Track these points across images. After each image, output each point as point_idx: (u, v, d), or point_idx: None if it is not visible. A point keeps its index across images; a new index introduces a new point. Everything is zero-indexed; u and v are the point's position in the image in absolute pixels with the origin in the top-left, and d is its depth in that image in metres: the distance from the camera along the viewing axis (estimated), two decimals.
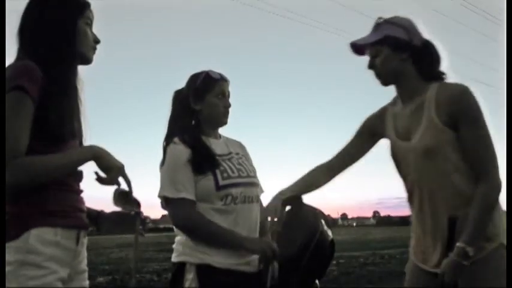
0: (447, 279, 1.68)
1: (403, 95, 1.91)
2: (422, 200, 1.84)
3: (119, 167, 1.51)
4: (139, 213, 1.69)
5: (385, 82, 1.91)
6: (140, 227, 1.71)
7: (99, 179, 1.51)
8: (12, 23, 1.53)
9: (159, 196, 1.92)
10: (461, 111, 1.74)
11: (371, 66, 1.90)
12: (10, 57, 1.50)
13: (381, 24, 1.89)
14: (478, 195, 1.72)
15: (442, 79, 1.85)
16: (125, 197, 1.58)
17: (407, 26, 1.86)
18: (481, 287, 1.71)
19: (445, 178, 1.77)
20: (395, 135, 1.94)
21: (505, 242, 1.75)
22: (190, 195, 1.86)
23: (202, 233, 1.87)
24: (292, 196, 2.03)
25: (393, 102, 2.01)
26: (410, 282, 1.95)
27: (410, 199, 1.93)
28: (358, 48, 1.94)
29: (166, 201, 1.91)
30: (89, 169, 1.52)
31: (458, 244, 1.68)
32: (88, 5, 1.60)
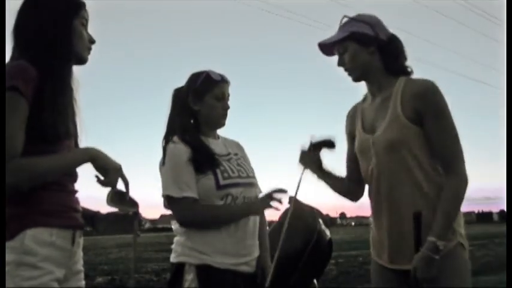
0: (420, 275, 1.67)
1: (372, 90, 1.94)
2: (381, 195, 1.85)
3: (117, 168, 1.50)
4: (137, 213, 1.69)
5: (356, 77, 1.93)
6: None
7: (99, 181, 1.50)
8: (9, 22, 1.53)
9: (163, 195, 1.91)
10: (426, 106, 1.75)
11: (340, 63, 1.92)
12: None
13: (346, 23, 1.92)
14: (447, 188, 1.72)
15: (409, 73, 1.88)
16: (120, 198, 1.57)
17: (372, 22, 1.88)
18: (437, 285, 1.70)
19: (406, 173, 1.78)
20: (361, 128, 1.96)
21: (463, 242, 1.77)
22: (194, 194, 1.86)
23: (210, 221, 1.88)
24: (318, 144, 2.05)
25: (363, 99, 2.04)
26: (375, 282, 1.97)
27: (370, 195, 1.94)
28: (327, 49, 1.96)
29: (169, 201, 1.90)
30: (85, 170, 1.51)
31: (429, 238, 1.67)
32: (83, 5, 1.59)
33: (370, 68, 1.88)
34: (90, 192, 1.55)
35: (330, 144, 2.06)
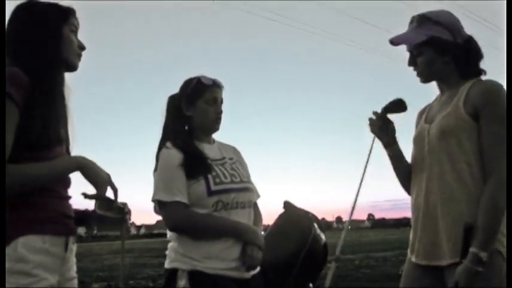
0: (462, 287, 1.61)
1: (443, 87, 1.92)
2: (428, 185, 1.81)
3: (106, 180, 1.50)
4: (125, 220, 1.68)
5: (425, 81, 1.92)
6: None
7: (87, 197, 1.49)
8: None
9: (153, 200, 1.91)
10: (485, 104, 1.72)
11: (412, 64, 1.90)
12: None
13: (423, 23, 1.87)
14: (486, 196, 1.66)
15: (480, 75, 1.85)
16: (108, 205, 1.57)
17: (450, 25, 1.84)
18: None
19: (452, 165, 1.75)
20: (424, 121, 1.94)
21: (500, 248, 1.68)
22: (184, 199, 1.86)
23: (200, 229, 1.87)
24: (388, 107, 1.98)
25: (433, 101, 2.01)
26: (407, 279, 1.91)
27: (413, 188, 1.91)
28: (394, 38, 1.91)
29: (160, 205, 1.90)
30: (78, 175, 1.51)
31: (471, 249, 1.62)
32: (73, 12, 1.60)
33: (442, 75, 1.87)
34: (81, 197, 1.53)
35: (400, 106, 1.98)
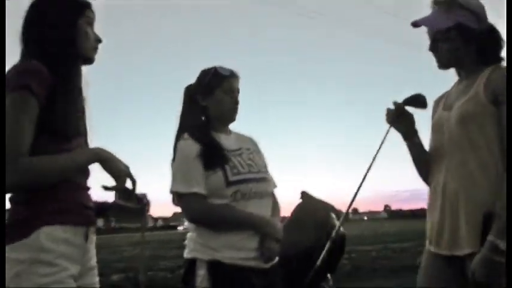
0: (478, 278, 1.58)
1: (462, 74, 1.89)
2: (448, 174, 1.79)
3: (125, 172, 1.51)
4: (143, 210, 1.70)
5: (444, 67, 1.89)
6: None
7: (107, 188, 1.52)
8: (15, 24, 1.54)
9: (171, 192, 1.92)
10: (502, 89, 1.68)
11: (434, 49, 1.87)
12: (10, 57, 1.52)
13: (452, 6, 1.82)
14: (503, 184, 1.62)
15: (500, 62, 1.81)
16: (127, 195, 1.59)
17: (478, 11, 1.81)
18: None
19: (474, 151, 1.72)
20: (442, 108, 1.91)
21: None
22: (202, 190, 1.86)
23: (218, 221, 1.88)
24: (406, 101, 1.95)
25: (451, 88, 1.98)
26: (426, 270, 1.89)
27: (432, 176, 1.89)
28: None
29: (178, 197, 1.91)
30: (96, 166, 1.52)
31: (488, 238, 1.58)
32: (88, 4, 1.61)
33: (463, 61, 1.84)
34: (100, 188, 1.55)
35: (419, 101, 1.95)
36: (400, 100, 1.95)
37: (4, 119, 1.36)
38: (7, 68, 1.46)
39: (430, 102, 2.00)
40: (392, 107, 1.97)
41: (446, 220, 1.78)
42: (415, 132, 1.98)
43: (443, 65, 1.89)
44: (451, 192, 1.77)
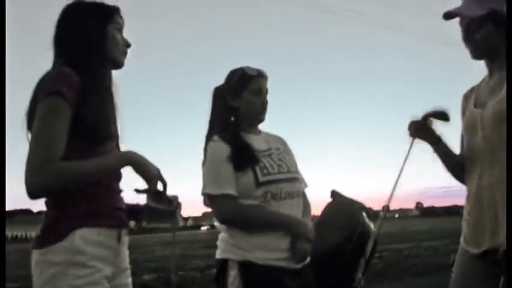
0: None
1: (493, 68, 1.84)
2: (483, 172, 1.75)
3: (156, 175, 1.53)
4: (174, 212, 1.71)
5: (478, 56, 1.85)
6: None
7: (140, 191, 1.54)
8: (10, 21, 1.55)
9: (202, 193, 1.93)
10: None
11: (468, 39, 1.82)
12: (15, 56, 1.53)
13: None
14: None
15: None
16: (158, 198, 1.60)
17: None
18: None
19: (506, 151, 1.67)
20: (473, 105, 1.87)
21: None
22: (232, 191, 1.87)
23: (250, 222, 1.88)
24: (430, 114, 1.94)
25: (480, 82, 1.94)
26: (461, 270, 1.86)
27: (470, 175, 1.85)
28: (449, 12, 1.85)
29: (209, 198, 1.92)
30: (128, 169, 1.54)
31: None
32: (117, 10, 1.64)
33: (496, 51, 1.79)
34: (131, 191, 1.57)
35: (442, 115, 1.94)
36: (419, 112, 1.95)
37: (4, 118, 1.39)
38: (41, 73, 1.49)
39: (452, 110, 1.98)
40: (412, 118, 1.96)
41: (485, 220, 1.74)
42: (438, 140, 1.97)
43: (477, 55, 1.84)
44: (486, 191, 1.73)
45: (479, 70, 1.92)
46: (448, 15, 1.84)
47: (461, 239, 1.88)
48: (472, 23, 1.79)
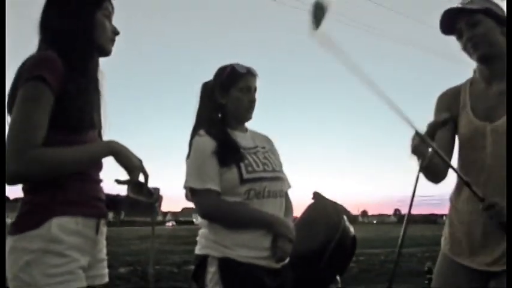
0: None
1: (490, 75, 1.81)
2: (488, 187, 1.70)
3: (138, 166, 1.50)
4: (154, 204, 1.69)
5: (483, 53, 1.79)
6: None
7: (121, 182, 1.51)
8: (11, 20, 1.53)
9: (185, 187, 1.92)
10: None
11: (470, 36, 1.78)
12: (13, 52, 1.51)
13: (475, 1, 1.81)
14: None
15: None
16: (139, 189, 1.58)
17: (502, 8, 1.80)
18: None
19: (506, 150, 1.65)
20: (472, 114, 1.82)
21: None
22: (216, 186, 1.86)
23: (231, 218, 1.87)
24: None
25: (469, 83, 1.90)
26: (446, 279, 1.85)
27: (460, 187, 1.82)
28: (448, 22, 1.84)
29: (192, 193, 1.90)
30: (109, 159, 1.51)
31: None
32: None
33: (499, 50, 1.77)
34: (111, 181, 1.55)
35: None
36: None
37: (4, 118, 1.35)
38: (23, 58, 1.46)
39: None
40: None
41: (489, 236, 1.71)
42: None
43: (480, 51, 1.79)
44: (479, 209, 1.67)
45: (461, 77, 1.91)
46: (449, 12, 1.83)
47: (447, 247, 1.88)
48: (469, 17, 1.78)
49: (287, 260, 1.92)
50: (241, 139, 1.99)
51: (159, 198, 1.68)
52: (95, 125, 1.57)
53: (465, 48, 1.82)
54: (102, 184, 1.59)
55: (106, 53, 1.61)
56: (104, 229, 1.57)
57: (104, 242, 1.60)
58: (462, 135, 1.85)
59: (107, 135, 1.66)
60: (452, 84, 1.96)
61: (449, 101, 1.92)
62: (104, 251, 1.61)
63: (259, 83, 2.04)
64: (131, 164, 1.48)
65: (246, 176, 1.87)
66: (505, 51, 1.76)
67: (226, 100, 1.99)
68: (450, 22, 1.84)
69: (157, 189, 1.67)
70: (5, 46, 1.52)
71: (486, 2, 1.79)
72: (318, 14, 1.68)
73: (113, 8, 1.61)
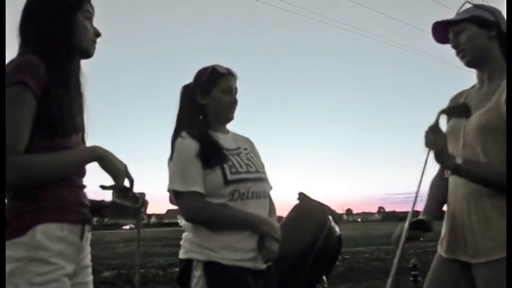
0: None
1: (482, 77, 1.85)
2: (460, 180, 1.76)
3: (123, 171, 1.49)
4: (139, 209, 1.67)
5: (469, 61, 1.83)
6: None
7: (105, 188, 1.50)
8: (12, 17, 1.51)
9: (169, 190, 1.90)
10: None
11: (455, 44, 1.84)
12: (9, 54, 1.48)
13: (468, 9, 1.86)
14: (495, 167, 1.65)
15: None
16: (124, 194, 1.57)
17: (494, 11, 1.82)
18: None
19: (488, 160, 1.69)
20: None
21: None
22: (200, 188, 1.85)
23: (216, 220, 1.86)
24: (421, 220, 1.88)
25: (470, 88, 1.95)
26: (437, 276, 1.89)
27: (449, 181, 1.87)
28: (440, 33, 1.89)
29: (176, 195, 1.89)
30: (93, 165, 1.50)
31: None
32: None
33: (486, 54, 1.80)
34: (96, 187, 1.53)
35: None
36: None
37: (4, 118, 1.32)
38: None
39: None
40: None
41: (458, 228, 1.78)
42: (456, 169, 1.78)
43: (468, 57, 1.83)
44: (462, 200, 1.76)
45: (457, 79, 1.94)
46: (436, 25, 1.89)
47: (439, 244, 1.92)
48: (455, 26, 1.84)
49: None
50: (224, 141, 1.99)
51: (144, 203, 1.67)
52: (78, 129, 1.55)
53: (457, 56, 1.87)
54: (85, 190, 1.57)
55: (88, 54, 1.59)
56: (88, 235, 1.56)
57: (89, 249, 1.59)
58: (447, 131, 1.89)
59: (91, 138, 1.64)
60: (435, 83, 2.01)
61: (456, 102, 1.98)
62: (89, 257, 1.59)
63: (242, 84, 2.04)
64: (116, 169, 1.47)
65: (230, 177, 1.86)
66: (493, 53, 1.79)
67: (207, 101, 1.99)
68: (442, 33, 1.89)
69: (142, 194, 1.66)
70: (5, 46, 1.49)
71: (477, 9, 1.83)
72: None
73: (93, 9, 1.59)
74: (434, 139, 1.68)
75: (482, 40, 1.79)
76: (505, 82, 1.71)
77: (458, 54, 1.85)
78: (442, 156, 1.68)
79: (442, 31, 1.90)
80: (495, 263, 1.63)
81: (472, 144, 1.75)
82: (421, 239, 1.88)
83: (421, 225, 1.88)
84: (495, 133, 1.68)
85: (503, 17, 1.82)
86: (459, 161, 1.64)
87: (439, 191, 1.94)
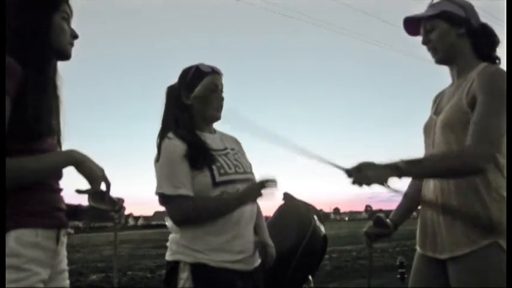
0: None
1: (453, 74, 1.88)
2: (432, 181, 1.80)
3: (100, 175, 1.46)
4: (118, 212, 1.64)
5: (440, 58, 1.86)
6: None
7: (82, 192, 1.46)
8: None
9: (157, 193, 1.86)
10: (480, 87, 1.66)
11: (425, 41, 1.86)
12: None
13: (438, 2, 1.86)
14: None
15: (494, 63, 1.79)
16: (101, 198, 1.54)
17: (465, 6, 1.82)
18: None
19: (506, 150, 1.67)
20: (433, 112, 1.92)
21: (501, 242, 1.61)
22: (188, 191, 1.81)
23: (207, 217, 1.83)
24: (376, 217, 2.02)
25: (449, 86, 1.96)
26: (418, 272, 1.90)
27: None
28: (412, 26, 1.90)
29: (163, 199, 1.85)
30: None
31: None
32: None
33: (456, 51, 1.82)
34: (72, 190, 1.51)
35: (382, 224, 2.03)
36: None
37: (4, 118, 1.30)
38: None
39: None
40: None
41: (428, 224, 1.82)
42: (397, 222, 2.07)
43: (438, 55, 1.86)
44: (431, 195, 1.79)
45: (436, 79, 1.98)
46: (406, 21, 1.90)
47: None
48: (425, 24, 1.85)
49: (259, 262, 1.92)
50: (211, 141, 1.96)
51: (122, 207, 1.63)
52: (54, 132, 1.52)
53: (428, 51, 1.89)
54: (61, 193, 1.54)
55: (65, 56, 1.56)
56: (64, 239, 1.53)
57: (65, 253, 1.56)
58: (423, 129, 1.94)
59: (72, 141, 1.62)
60: (415, 81, 2.05)
61: (435, 101, 2.00)
62: (65, 261, 1.56)
63: (226, 84, 2.02)
64: (93, 173, 1.43)
65: (218, 178, 1.84)
66: (462, 51, 1.81)
67: (192, 101, 1.95)
68: (414, 27, 1.91)
69: (120, 200, 1.62)
70: (5, 46, 1.47)
71: (449, 3, 1.83)
72: None
73: (71, 10, 1.56)
74: (361, 177, 1.61)
75: (451, 38, 1.80)
76: (471, 74, 1.74)
77: (429, 50, 1.87)
78: (379, 176, 1.59)
79: (414, 24, 1.90)
80: (460, 259, 1.65)
81: (438, 141, 1.78)
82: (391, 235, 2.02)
83: (378, 223, 1.97)
84: (457, 128, 1.70)
85: (475, 12, 1.84)
86: (400, 163, 1.59)
87: (414, 187, 1.97)
